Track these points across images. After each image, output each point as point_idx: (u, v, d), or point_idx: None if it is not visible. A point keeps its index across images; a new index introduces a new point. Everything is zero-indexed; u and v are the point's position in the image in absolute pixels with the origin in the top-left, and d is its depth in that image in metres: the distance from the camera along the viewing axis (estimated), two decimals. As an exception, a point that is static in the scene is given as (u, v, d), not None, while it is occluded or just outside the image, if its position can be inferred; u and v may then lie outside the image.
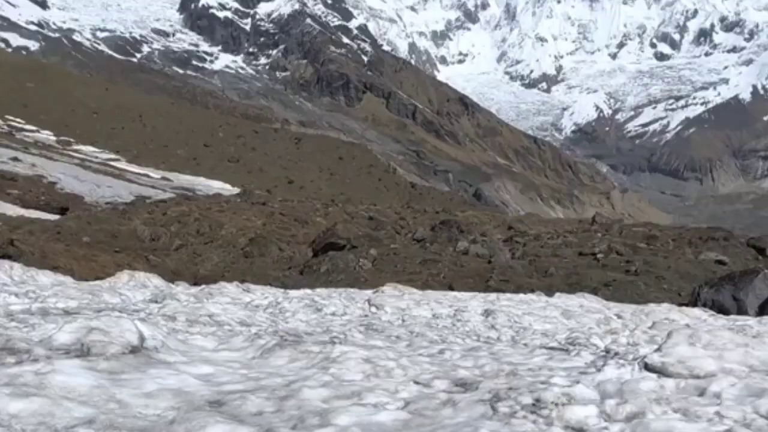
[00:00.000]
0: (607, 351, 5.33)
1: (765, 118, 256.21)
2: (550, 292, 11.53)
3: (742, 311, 9.87)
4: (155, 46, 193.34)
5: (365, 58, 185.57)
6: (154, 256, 21.30)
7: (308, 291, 10.41)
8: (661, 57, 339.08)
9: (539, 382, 4.22)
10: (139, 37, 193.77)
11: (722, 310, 9.87)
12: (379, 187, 76.76)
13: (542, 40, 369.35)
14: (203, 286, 10.46)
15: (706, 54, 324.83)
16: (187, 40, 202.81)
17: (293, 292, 10.11)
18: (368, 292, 10.33)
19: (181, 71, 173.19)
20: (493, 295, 10.14)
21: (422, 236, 22.33)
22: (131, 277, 10.58)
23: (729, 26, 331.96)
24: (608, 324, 7.36)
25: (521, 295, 10.38)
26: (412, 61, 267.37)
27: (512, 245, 20.87)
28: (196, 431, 3.13)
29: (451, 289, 13.55)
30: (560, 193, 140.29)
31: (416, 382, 4.41)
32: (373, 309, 8.62)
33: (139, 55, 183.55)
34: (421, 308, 8.54)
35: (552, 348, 5.80)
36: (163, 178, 57.70)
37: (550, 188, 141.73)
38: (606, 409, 3.76)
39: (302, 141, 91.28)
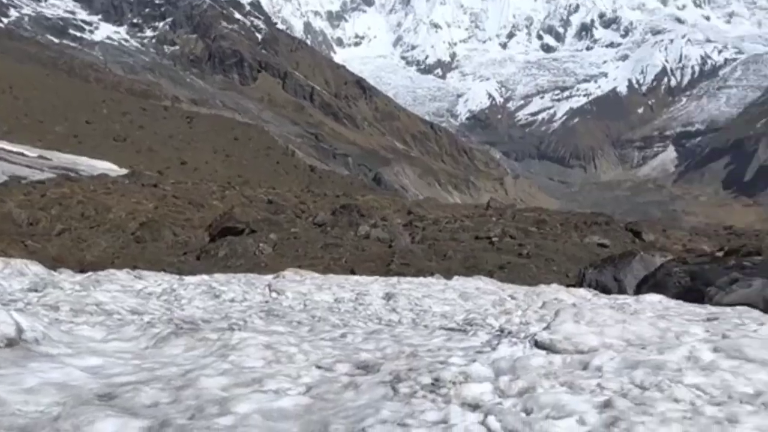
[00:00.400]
0: (502, 330, 5.57)
1: (639, 111, 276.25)
2: (448, 275, 11.85)
3: (622, 290, 10.64)
4: (25, 11, 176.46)
5: (259, 36, 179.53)
6: (33, 242, 19.74)
7: (205, 277, 10.08)
8: (547, 49, 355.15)
9: (438, 362, 4.34)
10: (5, 1, 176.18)
11: (605, 290, 10.57)
12: (278, 170, 75.29)
13: (436, 26, 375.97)
14: (90, 273, 9.83)
15: (588, 48, 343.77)
16: (62, 6, 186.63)
17: (189, 279, 9.75)
18: (268, 277, 10.16)
19: (56, 40, 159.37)
20: (394, 279, 10.28)
21: (323, 220, 22.25)
22: (6, 265, 9.73)
23: (607, 23, 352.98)
24: (503, 305, 7.70)
25: (421, 279, 10.60)
26: (308, 42, 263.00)
27: (412, 229, 21.27)
28: (84, 426, 2.94)
29: (353, 273, 13.60)
30: (457, 178, 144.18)
31: (318, 367, 4.40)
32: (274, 294, 8.49)
33: (6, 20, 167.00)
34: (322, 293, 8.52)
35: (451, 329, 5.98)
36: (41, 157, 53.34)
37: (447, 173, 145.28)
38: (500, 385, 3.93)
39: (195, 120, 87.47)
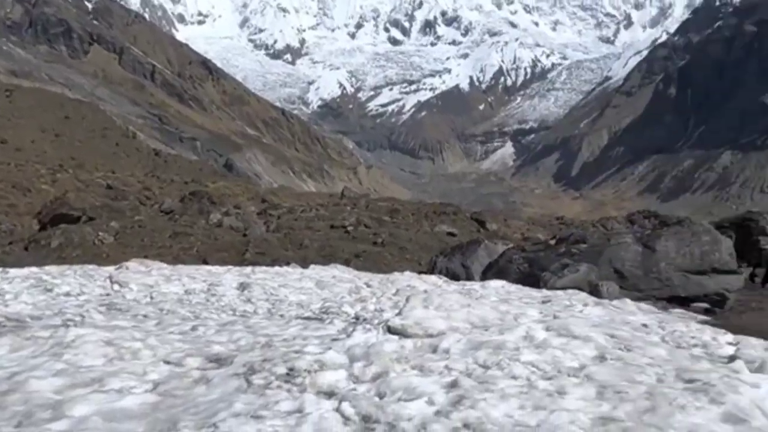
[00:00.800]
0: (357, 318, 5.68)
1: (480, 107, 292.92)
2: (305, 264, 11.81)
3: (469, 276, 11.28)
4: None
5: (89, 5, 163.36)
6: None
7: (35, 269, 9.13)
8: (394, 42, 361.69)
9: (293, 351, 4.33)
10: None
11: (454, 276, 11.15)
12: (117, 153, 69.66)
13: (284, 10, 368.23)
14: None
15: (432, 44, 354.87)
16: None
17: (15, 271, 8.78)
18: (110, 269, 9.45)
19: None
20: (248, 269, 10.04)
21: (171, 208, 21.16)
22: None
23: (449, 21, 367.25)
24: (358, 292, 7.82)
25: (277, 268, 10.45)
26: (146, 16, 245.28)
27: (266, 218, 20.94)
28: None
29: (205, 263, 13.10)
30: (311, 166, 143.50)
31: (167, 362, 4.20)
32: (116, 287, 7.92)
33: None
34: (171, 284, 8.10)
35: (307, 318, 5.98)
36: None
37: (301, 161, 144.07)
38: (354, 371, 4.02)
39: (15, 94, 77.83)
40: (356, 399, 3.54)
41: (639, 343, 4.76)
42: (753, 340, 5.05)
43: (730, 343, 4.97)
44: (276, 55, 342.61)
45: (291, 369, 3.98)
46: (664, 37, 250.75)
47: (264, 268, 10.44)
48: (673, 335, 5.23)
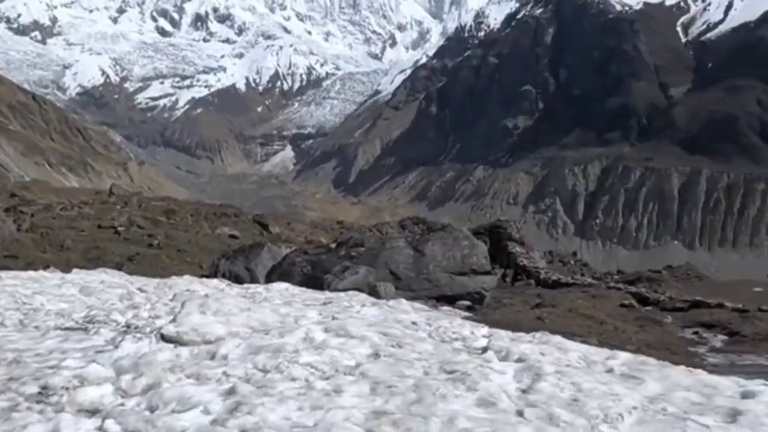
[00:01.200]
0: (128, 326, 5.27)
1: (258, 109, 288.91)
2: (67, 268, 10.60)
3: (254, 279, 11.15)
4: None
5: None
6: None
7: None
8: (163, 33, 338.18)
9: (48, 367, 3.92)
10: None
11: (238, 280, 10.94)
12: None
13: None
14: None
15: (205, 40, 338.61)
16: None
17: None
18: None
19: None
20: (-7, 274, 8.69)
21: None
22: None
23: (221, 18, 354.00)
24: (131, 298, 7.21)
25: (31, 272, 9.22)
26: None
27: (17, 216, 18.46)
28: None
29: (-67, 269, 11.01)
30: (72, 159, 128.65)
31: None
32: None
33: None
34: None
35: (69, 328, 5.39)
36: None
37: (59, 153, 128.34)
38: (122, 385, 3.75)
39: None
40: (123, 415, 3.30)
41: (409, 339, 5.14)
42: (502, 332, 5.77)
43: (485, 336, 5.61)
44: (21, 31, 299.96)
45: (44, 387, 3.59)
46: (425, 59, 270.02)
47: (15, 272, 9.15)
48: (438, 331, 5.73)
